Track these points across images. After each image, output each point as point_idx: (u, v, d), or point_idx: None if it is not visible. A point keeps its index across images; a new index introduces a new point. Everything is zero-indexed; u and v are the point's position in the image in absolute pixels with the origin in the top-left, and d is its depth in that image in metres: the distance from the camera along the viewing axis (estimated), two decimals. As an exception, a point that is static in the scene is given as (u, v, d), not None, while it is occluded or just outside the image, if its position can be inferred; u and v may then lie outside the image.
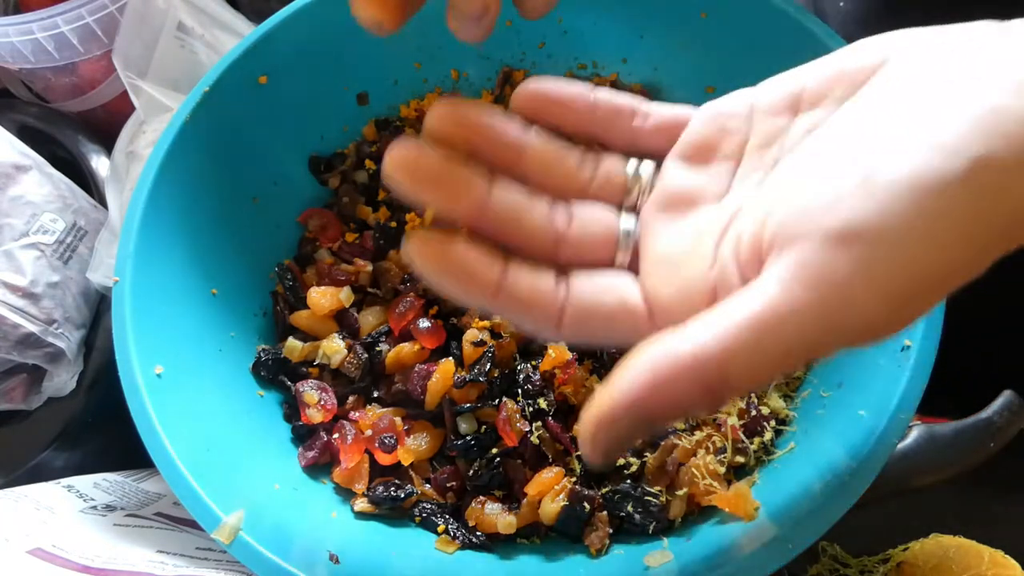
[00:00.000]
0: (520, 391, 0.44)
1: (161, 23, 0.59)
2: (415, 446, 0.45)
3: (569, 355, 0.44)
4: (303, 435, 0.47)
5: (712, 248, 0.25)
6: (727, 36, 0.50)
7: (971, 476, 0.47)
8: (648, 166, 0.29)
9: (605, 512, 0.41)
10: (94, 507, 0.44)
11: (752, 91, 0.27)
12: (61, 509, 0.43)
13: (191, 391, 0.43)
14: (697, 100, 0.30)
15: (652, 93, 0.55)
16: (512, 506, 0.43)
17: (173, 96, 0.58)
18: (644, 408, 0.21)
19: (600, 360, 0.46)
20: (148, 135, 0.57)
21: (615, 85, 0.55)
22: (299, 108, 0.52)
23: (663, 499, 0.41)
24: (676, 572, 0.37)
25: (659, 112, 0.29)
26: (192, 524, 0.41)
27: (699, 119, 0.28)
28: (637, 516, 0.40)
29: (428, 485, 0.45)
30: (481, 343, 0.45)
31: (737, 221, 0.24)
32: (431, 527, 0.43)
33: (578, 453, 0.43)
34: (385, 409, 0.46)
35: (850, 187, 0.20)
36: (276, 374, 0.48)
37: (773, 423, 0.42)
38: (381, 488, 0.43)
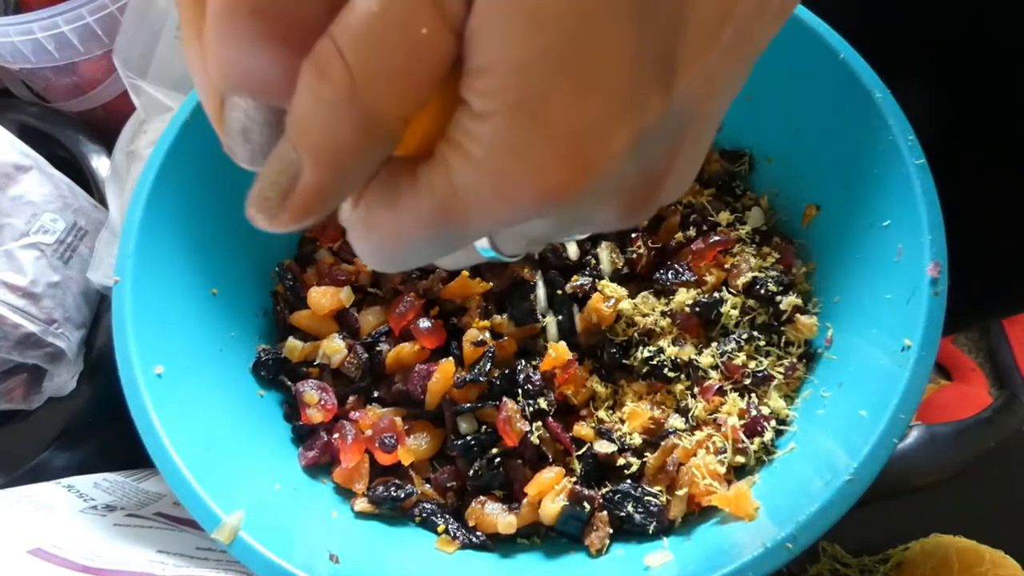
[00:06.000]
0: (520, 391, 0.44)
1: (161, 23, 0.59)
2: (415, 446, 0.45)
3: (569, 355, 0.44)
4: (303, 435, 0.47)
5: None
6: None
7: (971, 476, 0.47)
8: None
9: (605, 512, 0.41)
10: (94, 507, 0.44)
11: None
12: (61, 509, 0.43)
13: (191, 391, 0.43)
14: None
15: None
16: (512, 506, 0.43)
17: (173, 96, 0.58)
18: None
19: (600, 360, 0.46)
20: (148, 135, 0.57)
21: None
22: (299, 108, 0.52)
23: (663, 499, 0.41)
24: (676, 572, 0.37)
25: None
26: (192, 524, 0.41)
27: None
28: (637, 516, 0.40)
29: (428, 485, 0.45)
30: (481, 343, 0.45)
31: None
32: (431, 527, 0.43)
33: (579, 453, 0.43)
34: (385, 409, 0.46)
35: None
36: (276, 374, 0.48)
37: (773, 423, 0.42)
38: (381, 488, 0.43)
